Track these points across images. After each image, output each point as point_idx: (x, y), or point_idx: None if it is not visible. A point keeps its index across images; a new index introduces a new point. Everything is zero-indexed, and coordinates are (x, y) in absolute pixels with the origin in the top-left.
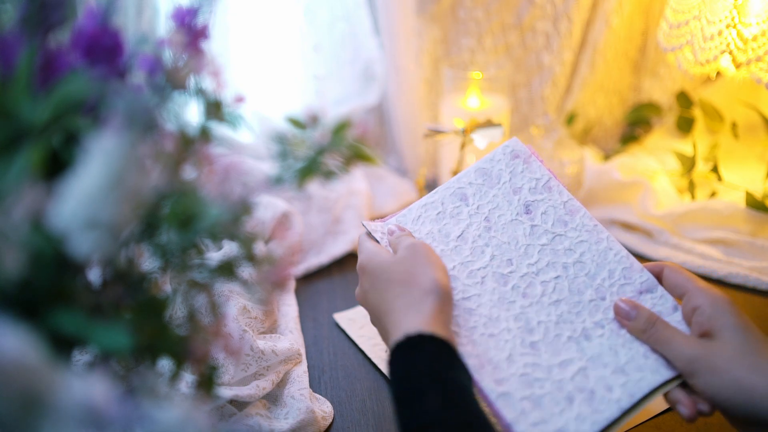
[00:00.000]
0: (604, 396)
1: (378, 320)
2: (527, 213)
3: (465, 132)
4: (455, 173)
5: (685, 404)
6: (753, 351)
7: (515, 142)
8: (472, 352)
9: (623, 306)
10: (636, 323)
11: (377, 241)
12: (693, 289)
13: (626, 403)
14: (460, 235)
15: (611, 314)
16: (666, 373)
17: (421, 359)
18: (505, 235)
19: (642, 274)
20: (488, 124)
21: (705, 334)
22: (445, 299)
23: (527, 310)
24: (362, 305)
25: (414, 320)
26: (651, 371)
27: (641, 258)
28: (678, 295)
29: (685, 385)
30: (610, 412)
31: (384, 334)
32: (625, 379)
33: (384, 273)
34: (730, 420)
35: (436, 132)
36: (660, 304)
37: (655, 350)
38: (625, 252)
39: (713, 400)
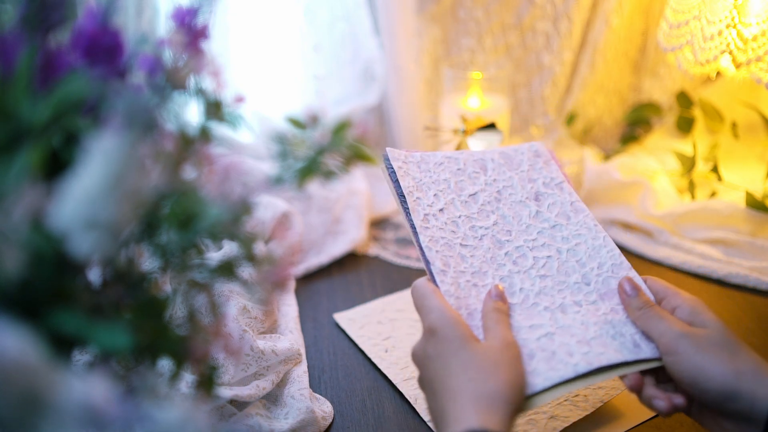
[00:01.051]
0: (563, 358)
1: (433, 391)
2: (536, 200)
3: (465, 133)
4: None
5: (660, 398)
6: (733, 341)
7: (540, 146)
8: (454, 293)
9: (627, 285)
10: (635, 301)
11: (440, 285)
12: (671, 293)
13: (582, 368)
14: (473, 194)
15: (592, 298)
16: (628, 355)
17: None
18: (511, 211)
19: (629, 273)
20: (490, 127)
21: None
22: (518, 411)
23: (514, 275)
24: (415, 364)
25: (482, 418)
26: (614, 350)
27: (641, 258)
28: (657, 300)
29: (657, 381)
30: (565, 372)
31: (437, 408)
32: (587, 349)
33: (462, 351)
34: (696, 412)
35: (435, 128)
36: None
37: (641, 331)
38: (618, 252)
39: (692, 381)
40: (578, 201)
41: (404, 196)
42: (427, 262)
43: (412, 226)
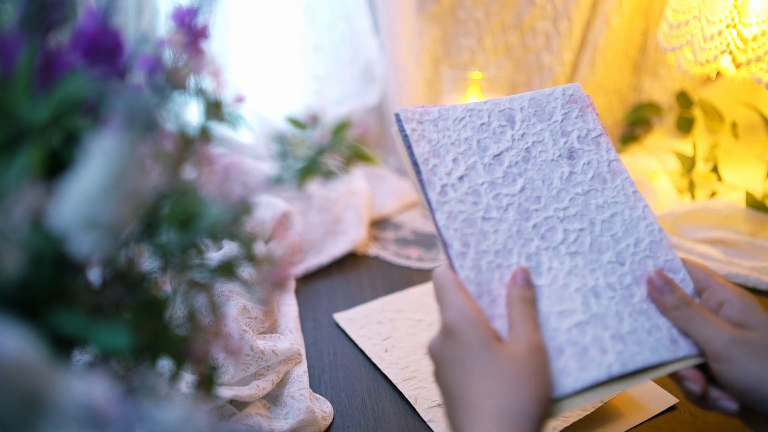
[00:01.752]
0: (596, 357)
1: (451, 398)
2: (570, 158)
3: None
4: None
5: (726, 398)
6: None
7: (577, 87)
8: (475, 279)
9: (657, 279)
10: (669, 299)
11: (458, 269)
12: (716, 284)
13: (616, 370)
14: (497, 155)
15: (626, 281)
16: (664, 354)
17: None
18: (540, 173)
19: (668, 253)
20: None
21: (737, 326)
22: (543, 423)
23: (542, 253)
24: (431, 359)
25: None
26: (650, 349)
27: None
28: (698, 291)
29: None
30: (598, 374)
31: (454, 417)
32: (622, 347)
33: (483, 358)
34: (748, 420)
35: None
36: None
37: (681, 330)
38: (658, 226)
39: (747, 390)
40: (617, 160)
41: (418, 165)
42: (444, 244)
43: (428, 201)
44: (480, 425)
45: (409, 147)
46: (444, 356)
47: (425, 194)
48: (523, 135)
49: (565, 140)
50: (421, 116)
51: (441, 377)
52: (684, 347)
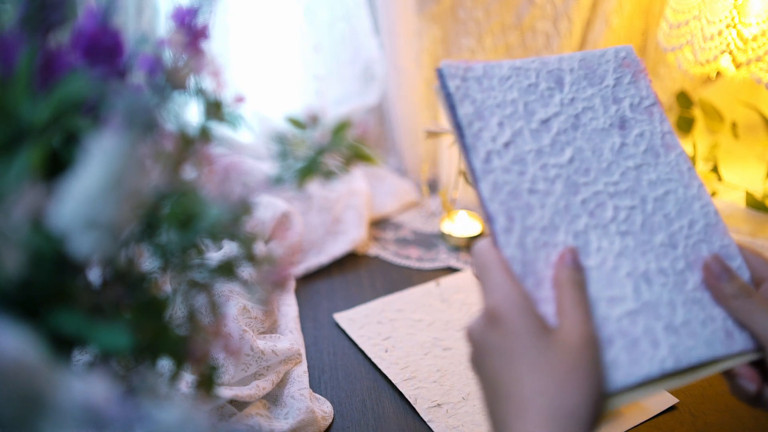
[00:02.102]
0: (648, 350)
1: (494, 393)
2: (621, 128)
3: None
4: (462, 173)
5: (747, 377)
6: None
7: (630, 50)
8: (520, 258)
9: (715, 265)
10: (728, 287)
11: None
12: None
13: (669, 366)
14: (545, 120)
15: (679, 266)
16: (719, 349)
17: None
18: (590, 143)
19: (724, 239)
20: None
21: None
22: (596, 424)
23: (590, 231)
24: (470, 344)
25: None
26: (705, 343)
27: None
28: (755, 281)
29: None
30: (650, 369)
31: (498, 414)
32: (676, 340)
33: (533, 351)
34: None
35: (436, 133)
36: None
37: (737, 321)
38: (714, 208)
39: None
40: (670, 133)
41: (462, 128)
42: (489, 218)
43: (472, 169)
44: (529, 426)
45: (452, 107)
46: (487, 344)
47: (469, 161)
48: (572, 100)
49: (616, 108)
50: (465, 72)
51: (482, 366)
52: (739, 341)
